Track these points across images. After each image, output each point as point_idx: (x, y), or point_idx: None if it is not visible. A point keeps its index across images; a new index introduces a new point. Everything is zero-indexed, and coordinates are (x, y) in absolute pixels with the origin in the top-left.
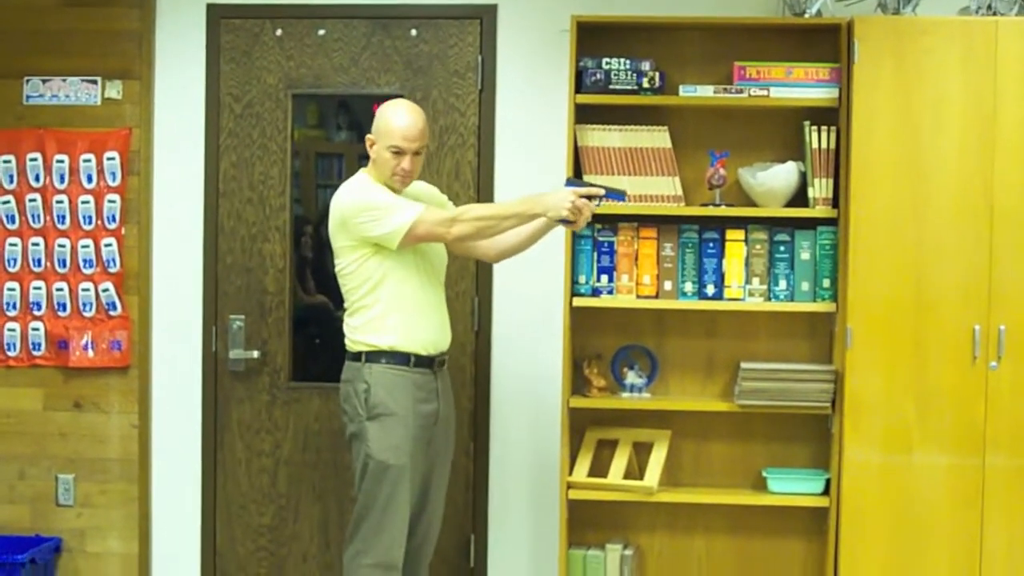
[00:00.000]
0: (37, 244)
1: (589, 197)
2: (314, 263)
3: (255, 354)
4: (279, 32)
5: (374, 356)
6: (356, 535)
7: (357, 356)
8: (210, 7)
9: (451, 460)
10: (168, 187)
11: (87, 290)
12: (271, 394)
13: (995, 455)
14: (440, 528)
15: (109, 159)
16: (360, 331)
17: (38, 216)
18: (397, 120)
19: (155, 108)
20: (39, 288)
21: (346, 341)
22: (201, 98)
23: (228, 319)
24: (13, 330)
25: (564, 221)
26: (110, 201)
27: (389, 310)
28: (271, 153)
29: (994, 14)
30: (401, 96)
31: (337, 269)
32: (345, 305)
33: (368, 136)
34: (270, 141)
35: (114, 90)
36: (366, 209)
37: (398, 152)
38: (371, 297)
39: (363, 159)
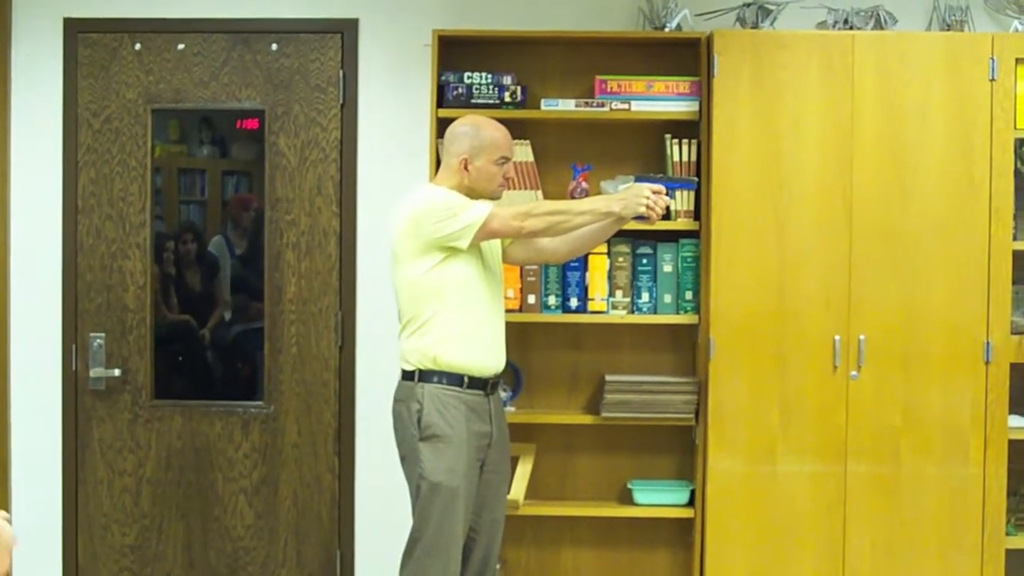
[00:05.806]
0: None
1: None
2: (176, 280)
3: (116, 372)
4: (138, 47)
5: (427, 376)
6: (411, 559)
7: (410, 375)
8: (67, 21)
9: (507, 485)
10: (25, 204)
11: None
12: (133, 412)
13: (856, 462)
14: (499, 554)
15: None
16: (414, 350)
17: None
18: (496, 132)
19: (11, 123)
20: None
21: (400, 361)
22: (58, 113)
23: (88, 337)
24: None
25: (639, 217)
26: None
27: (446, 330)
28: (131, 169)
29: (851, 28)
30: (263, 110)
31: (398, 282)
32: (400, 324)
33: (462, 157)
34: (130, 157)
35: None
36: (441, 208)
37: (505, 160)
38: (428, 313)
39: (226, 174)
